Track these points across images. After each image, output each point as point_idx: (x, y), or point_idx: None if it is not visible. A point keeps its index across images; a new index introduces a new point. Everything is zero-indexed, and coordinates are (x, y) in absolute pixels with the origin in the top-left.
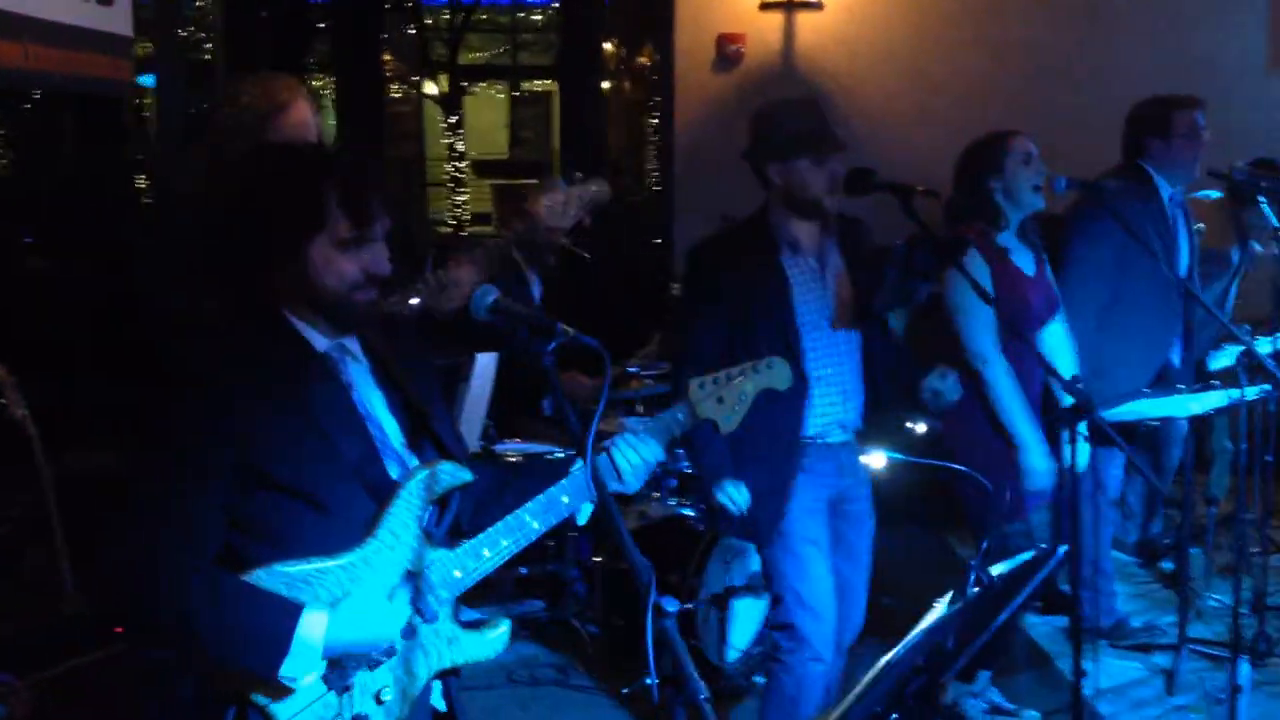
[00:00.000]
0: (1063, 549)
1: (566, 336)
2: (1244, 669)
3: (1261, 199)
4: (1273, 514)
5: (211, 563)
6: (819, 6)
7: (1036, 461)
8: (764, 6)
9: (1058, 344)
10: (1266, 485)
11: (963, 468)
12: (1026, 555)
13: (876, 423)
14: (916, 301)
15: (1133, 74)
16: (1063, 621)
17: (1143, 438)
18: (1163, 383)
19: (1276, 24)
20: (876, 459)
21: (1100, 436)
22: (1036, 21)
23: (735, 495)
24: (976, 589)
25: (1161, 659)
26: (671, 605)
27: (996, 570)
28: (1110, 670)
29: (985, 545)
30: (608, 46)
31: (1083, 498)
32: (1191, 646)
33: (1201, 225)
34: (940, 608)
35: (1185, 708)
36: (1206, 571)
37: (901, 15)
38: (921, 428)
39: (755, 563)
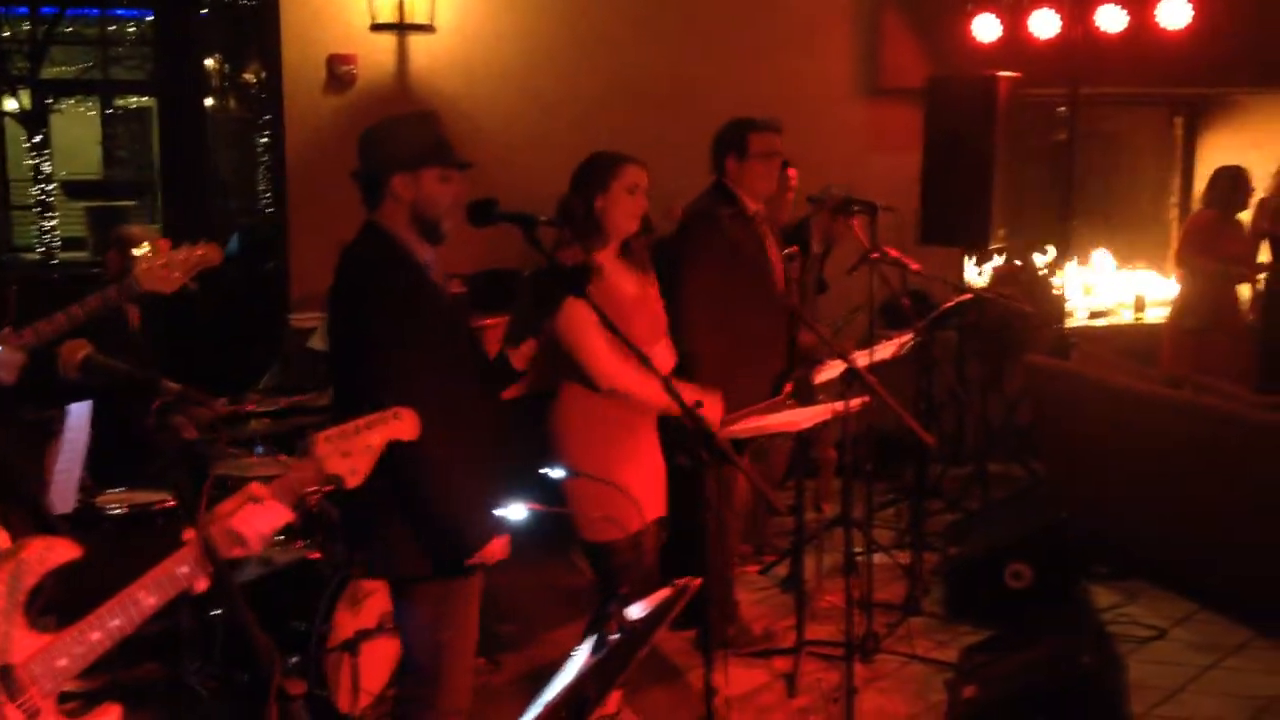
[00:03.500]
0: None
1: (170, 396)
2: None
3: (851, 216)
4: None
5: None
6: (431, 29)
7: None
8: (375, 27)
9: (663, 365)
10: (869, 490)
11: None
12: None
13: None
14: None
15: (738, 98)
16: (690, 634)
17: (752, 449)
18: (774, 397)
19: (859, 53)
20: (515, 510)
21: (719, 454)
22: (646, 46)
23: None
24: (617, 636)
25: (782, 663)
26: (296, 684)
27: (635, 613)
28: (736, 678)
29: (622, 592)
30: (209, 62)
31: (702, 513)
32: (809, 649)
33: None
34: (581, 656)
35: (806, 709)
36: (819, 575)
37: (515, 38)
38: (559, 473)
39: (386, 601)
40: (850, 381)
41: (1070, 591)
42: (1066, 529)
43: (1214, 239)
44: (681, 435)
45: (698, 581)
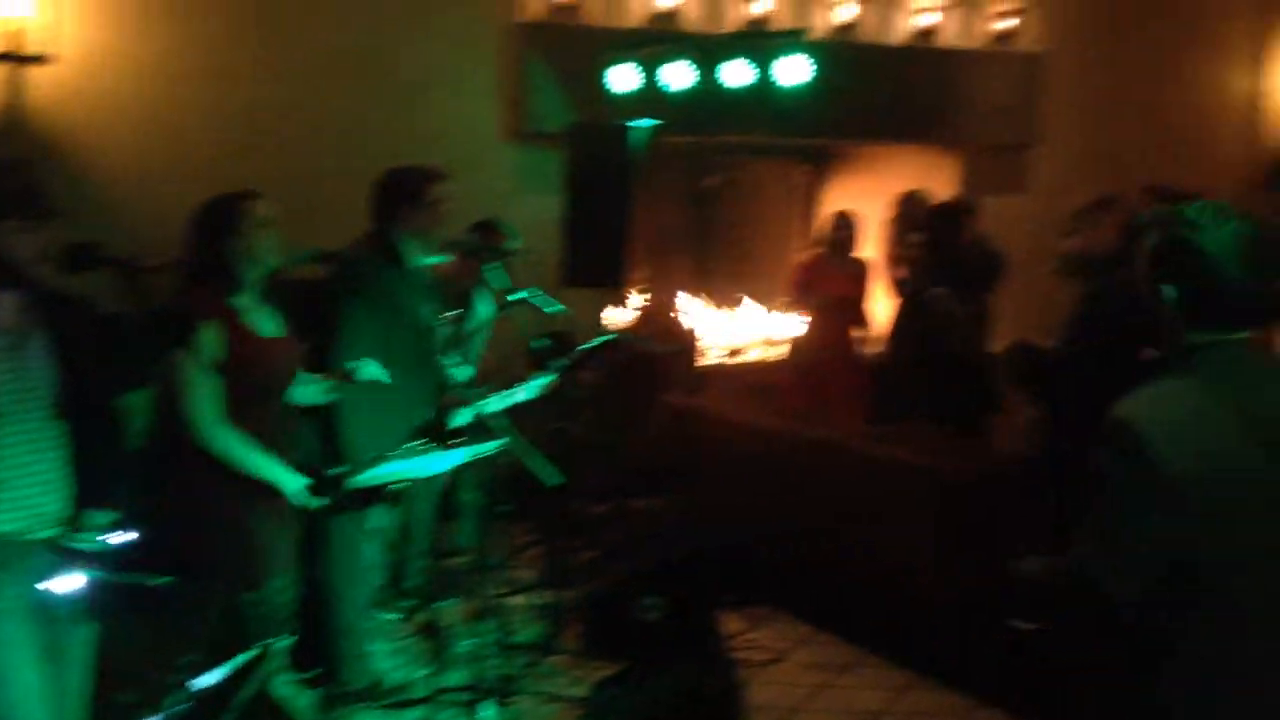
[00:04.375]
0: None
1: None
2: (490, 712)
3: (490, 264)
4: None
5: None
6: (45, 60)
7: (294, 487)
8: None
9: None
10: (507, 532)
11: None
12: (243, 657)
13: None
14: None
15: (384, 139)
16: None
17: (391, 493)
18: (414, 442)
19: (504, 98)
20: (74, 581)
21: (356, 501)
22: (288, 82)
23: None
24: (187, 705)
25: (420, 711)
26: None
27: (207, 681)
28: None
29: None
30: None
31: (332, 565)
32: (445, 696)
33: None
34: None
35: None
36: (460, 619)
37: (147, 70)
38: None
39: None
40: (486, 425)
41: (700, 621)
42: (698, 560)
43: (820, 280)
44: (316, 480)
45: (285, 643)
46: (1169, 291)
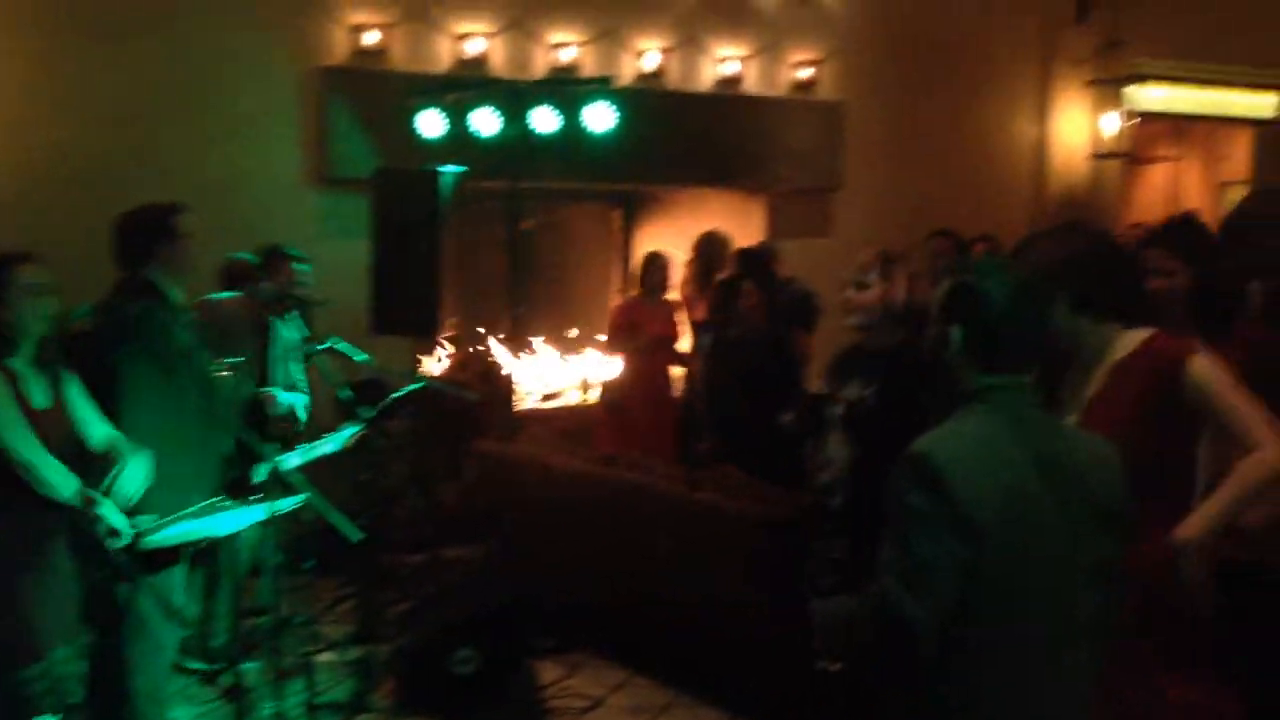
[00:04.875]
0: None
1: None
2: None
3: (287, 313)
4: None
5: None
6: None
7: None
8: None
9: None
10: (312, 588)
11: None
12: None
13: None
14: None
15: (180, 187)
16: None
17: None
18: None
19: (308, 143)
20: None
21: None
22: (85, 127)
23: None
24: None
25: None
26: None
27: None
28: None
29: None
30: None
31: (125, 630)
32: None
33: None
34: None
35: None
36: (267, 679)
37: None
38: None
39: None
40: (284, 480)
41: (515, 671)
42: (512, 609)
43: (635, 322)
44: (97, 548)
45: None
46: (956, 334)
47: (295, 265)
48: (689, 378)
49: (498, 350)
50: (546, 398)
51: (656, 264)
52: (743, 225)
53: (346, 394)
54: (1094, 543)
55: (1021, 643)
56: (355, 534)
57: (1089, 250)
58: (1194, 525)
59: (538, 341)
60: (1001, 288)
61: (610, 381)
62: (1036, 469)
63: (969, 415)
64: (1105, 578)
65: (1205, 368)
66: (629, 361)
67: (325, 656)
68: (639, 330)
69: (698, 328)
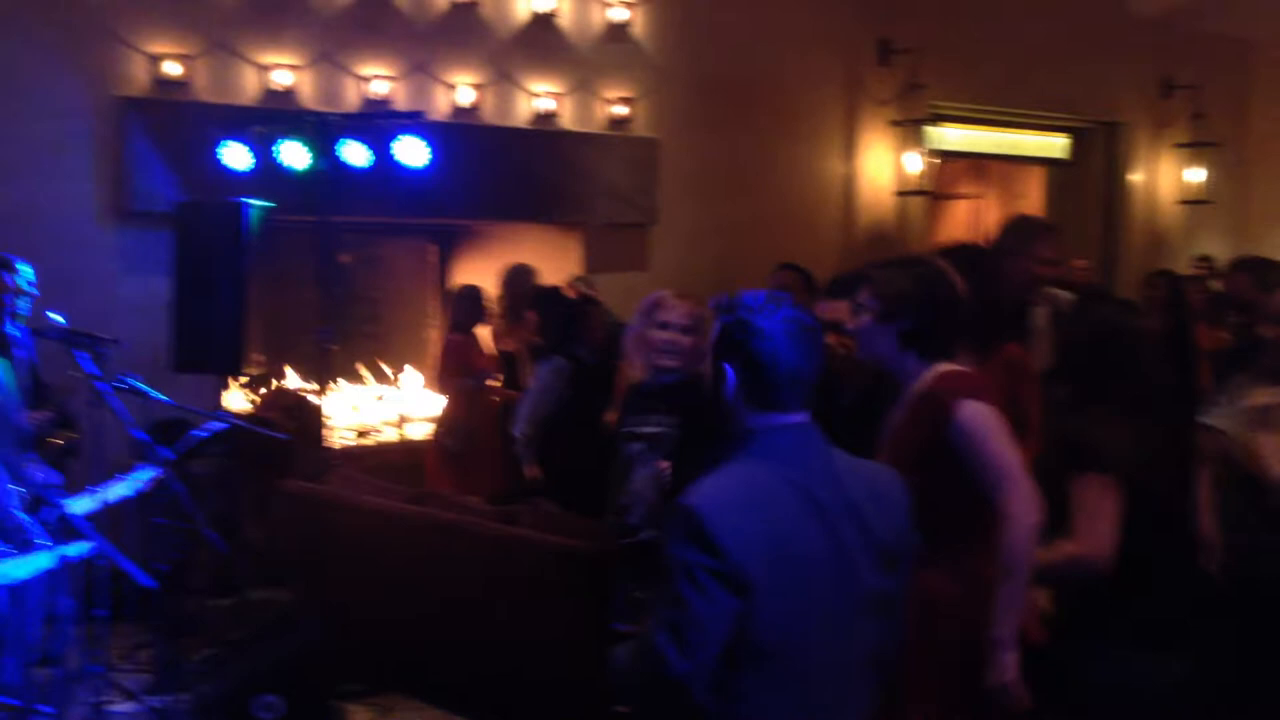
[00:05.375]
0: None
1: None
2: None
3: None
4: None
5: None
6: None
7: None
8: None
9: None
10: (108, 636)
11: None
12: None
13: None
14: None
15: None
16: None
17: None
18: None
19: (106, 176)
20: None
21: None
22: None
23: None
24: None
25: None
26: None
27: None
28: None
29: None
30: None
31: None
32: None
33: None
34: None
35: None
36: None
37: None
38: None
39: None
40: (73, 526)
41: (323, 717)
42: (321, 652)
43: (465, 358)
44: None
45: None
46: (730, 373)
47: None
48: (513, 409)
49: (308, 387)
50: (361, 434)
51: (469, 297)
52: (560, 259)
53: (141, 435)
54: (873, 578)
55: (799, 683)
56: (149, 580)
57: (916, 286)
58: (1001, 626)
59: (352, 377)
60: (775, 324)
61: (441, 417)
62: (809, 510)
63: (739, 459)
64: (885, 612)
65: (972, 414)
66: (459, 397)
67: (122, 707)
68: (470, 366)
69: (510, 358)
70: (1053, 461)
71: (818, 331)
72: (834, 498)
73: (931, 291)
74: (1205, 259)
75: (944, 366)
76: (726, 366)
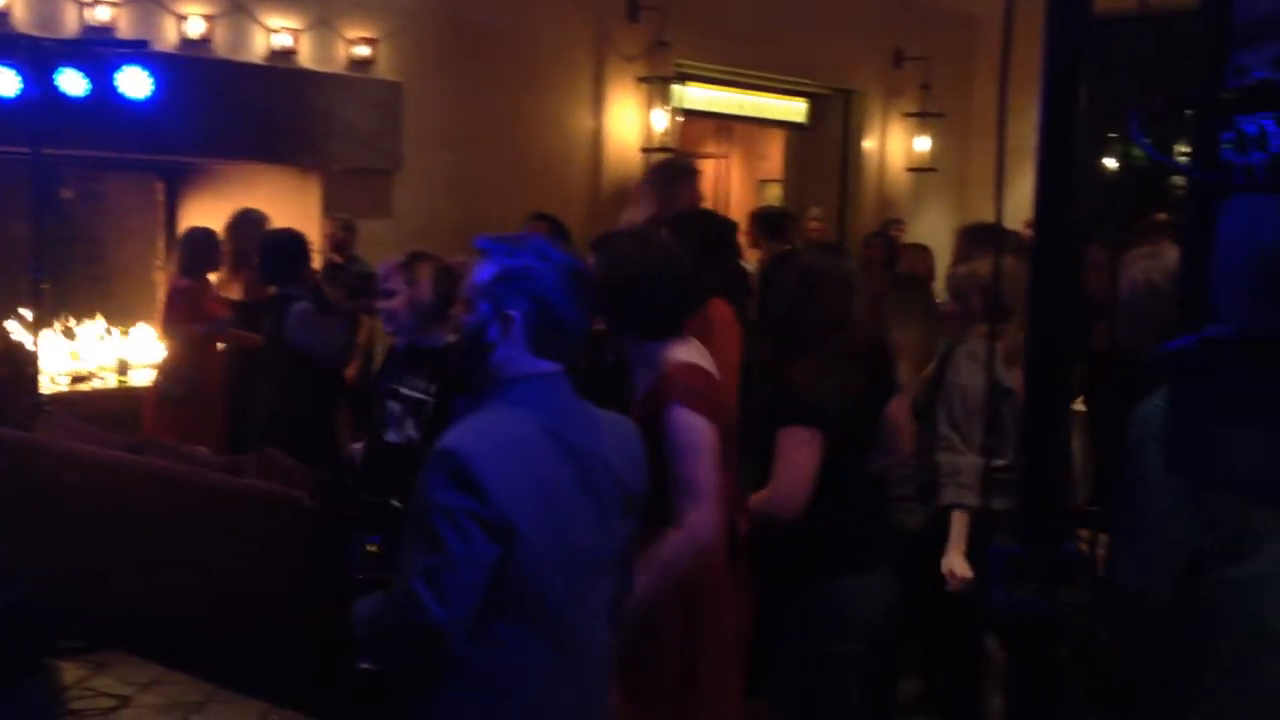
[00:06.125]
0: None
1: None
2: None
3: None
4: None
5: None
6: None
7: None
8: None
9: None
10: None
11: None
12: None
13: None
14: None
15: None
16: None
17: None
18: None
19: None
20: None
21: None
22: None
23: None
24: None
25: None
26: None
27: None
28: None
29: None
30: None
31: None
32: None
33: None
34: None
35: None
36: None
37: None
38: None
39: None
40: None
41: (33, 674)
42: (30, 608)
43: (194, 304)
44: None
45: None
46: (507, 318)
47: None
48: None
49: (18, 329)
50: (76, 380)
51: (209, 242)
52: (300, 203)
53: None
54: (619, 527)
55: (555, 628)
56: None
57: (665, 260)
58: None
59: (72, 317)
60: (563, 269)
61: (162, 368)
62: (565, 457)
63: (498, 407)
64: (623, 562)
65: (678, 421)
66: (181, 349)
67: None
68: (199, 312)
69: (240, 307)
70: (764, 410)
71: (588, 280)
72: (587, 446)
73: (656, 270)
74: (896, 221)
75: (679, 354)
76: (512, 310)
